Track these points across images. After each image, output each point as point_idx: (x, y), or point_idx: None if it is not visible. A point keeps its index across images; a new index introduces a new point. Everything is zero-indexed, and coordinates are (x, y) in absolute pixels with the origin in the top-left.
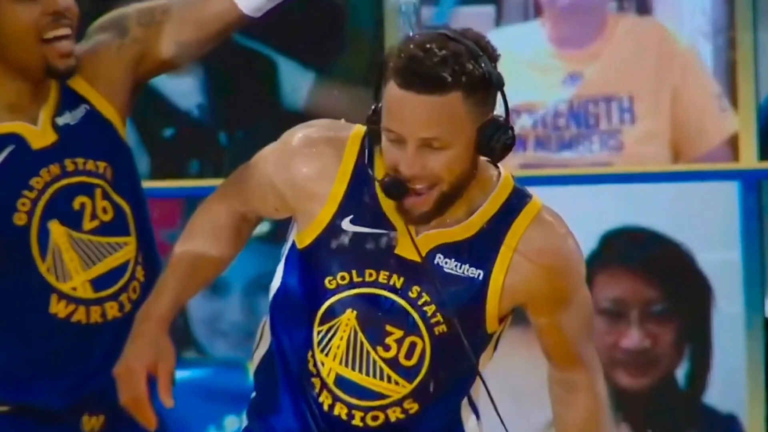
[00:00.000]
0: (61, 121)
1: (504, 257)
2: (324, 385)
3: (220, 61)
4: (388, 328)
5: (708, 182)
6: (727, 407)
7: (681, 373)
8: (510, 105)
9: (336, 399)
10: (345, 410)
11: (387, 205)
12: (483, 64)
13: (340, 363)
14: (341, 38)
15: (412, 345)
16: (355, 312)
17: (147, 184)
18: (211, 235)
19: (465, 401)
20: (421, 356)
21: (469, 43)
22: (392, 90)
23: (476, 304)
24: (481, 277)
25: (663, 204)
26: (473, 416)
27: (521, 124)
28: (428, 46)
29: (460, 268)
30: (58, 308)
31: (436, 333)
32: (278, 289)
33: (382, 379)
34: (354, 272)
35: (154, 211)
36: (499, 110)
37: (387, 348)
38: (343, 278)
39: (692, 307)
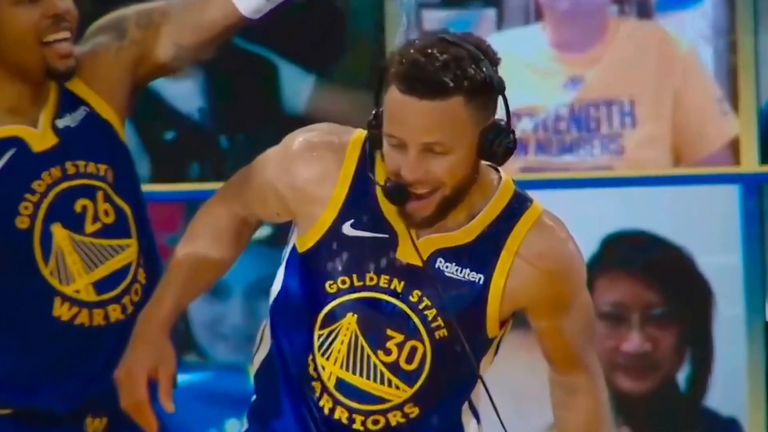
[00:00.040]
0: (61, 123)
1: (505, 261)
2: (324, 388)
3: (221, 64)
4: (389, 332)
5: (709, 186)
6: (728, 411)
7: (682, 376)
8: (511, 109)
9: (336, 403)
10: (345, 414)
11: (388, 209)
12: (484, 69)
13: (341, 367)
14: (342, 42)
15: (413, 349)
16: (355, 316)
17: (148, 187)
18: (212, 237)
19: (466, 405)
20: (422, 360)
21: (470, 47)
22: (394, 95)
23: (477, 309)
24: (481, 282)
25: (664, 208)
26: (474, 420)
27: (522, 127)
28: (429, 51)
29: (461, 272)
30: (62, 311)
31: (437, 337)
32: (279, 293)
33: (382, 383)
34: (355, 276)
35: (154, 214)
36: (500, 114)
37: (388, 352)
38: (343, 282)
39: (693, 311)
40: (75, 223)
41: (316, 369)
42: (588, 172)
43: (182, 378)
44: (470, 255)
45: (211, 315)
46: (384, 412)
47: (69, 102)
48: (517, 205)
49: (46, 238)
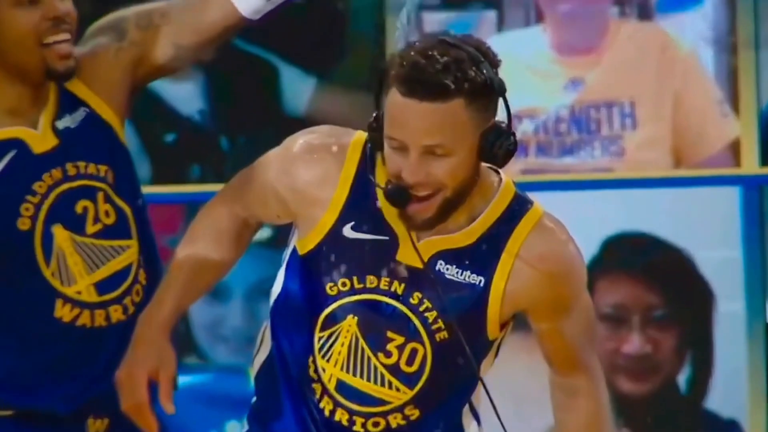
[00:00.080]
0: (60, 124)
1: (505, 264)
2: (325, 390)
3: (222, 66)
4: (389, 334)
5: (709, 188)
6: (729, 413)
7: (682, 378)
8: (511, 110)
9: (337, 405)
10: (346, 416)
11: (388, 211)
12: (485, 71)
13: (341, 369)
14: (342, 43)
15: (413, 351)
16: (356, 318)
17: (148, 189)
18: (212, 239)
19: (466, 408)
20: (422, 362)
21: (470, 49)
22: (394, 98)
23: (477, 311)
24: (482, 284)
25: (664, 209)
26: (474, 422)
27: (523, 129)
28: (430, 53)
29: (462, 274)
30: (63, 312)
31: (437, 339)
32: (279, 295)
33: (383, 385)
34: (355, 278)
35: (154, 216)
36: (500, 116)
37: (388, 354)
38: (344, 284)
39: (693, 313)
40: (76, 224)
41: (316, 371)
42: (588, 173)
43: (182, 380)
44: (471, 257)
45: (211, 317)
46: (384, 414)
47: (69, 103)
48: (518, 207)
49: (47, 239)
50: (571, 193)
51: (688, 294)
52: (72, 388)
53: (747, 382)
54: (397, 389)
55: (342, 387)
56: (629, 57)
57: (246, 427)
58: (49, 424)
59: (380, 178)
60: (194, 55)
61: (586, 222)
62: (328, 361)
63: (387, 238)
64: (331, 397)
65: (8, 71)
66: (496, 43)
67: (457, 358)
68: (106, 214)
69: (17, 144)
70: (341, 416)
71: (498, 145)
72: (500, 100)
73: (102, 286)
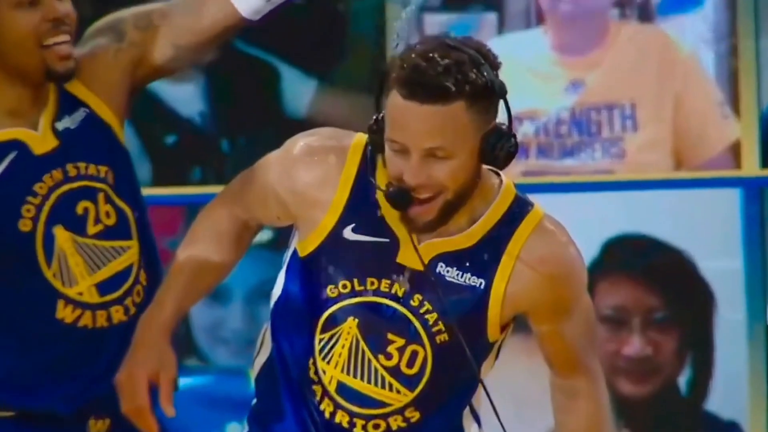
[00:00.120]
0: (60, 125)
1: (506, 266)
2: (325, 392)
3: (222, 68)
4: (390, 336)
5: (710, 190)
6: (729, 414)
7: (683, 380)
8: (512, 112)
9: (337, 407)
10: (346, 418)
11: (389, 213)
12: (485, 73)
13: (342, 371)
14: (343, 45)
15: (414, 353)
16: (356, 320)
17: (149, 191)
18: (213, 240)
19: (467, 410)
20: (423, 365)
21: (470, 51)
22: (395, 100)
23: (478, 313)
24: (482, 286)
25: (665, 211)
26: (475, 424)
27: (523, 131)
28: (431, 55)
29: (462, 276)
30: (65, 313)
31: (438, 341)
32: (279, 297)
33: (383, 387)
34: (356, 281)
35: (155, 218)
36: (501, 118)
37: (388, 356)
38: (344, 286)
39: (694, 315)
40: (77, 225)
41: (317, 373)
42: (589, 175)
43: (183, 382)
44: (471, 259)
45: (211, 319)
46: (385, 417)
47: (68, 104)
48: (518, 210)
49: (49, 240)
50: (571, 195)
51: (688, 296)
52: (73, 388)
53: (747, 384)
54: (398, 391)
55: (342, 389)
56: (630, 59)
57: (246, 428)
58: (51, 424)
59: (381, 180)
60: (194, 56)
61: (586, 224)
62: (328, 363)
63: (387, 240)
64: (331, 398)
65: (8, 73)
66: (497, 44)
67: (457, 361)
68: (107, 214)
69: (18, 145)
70: (341, 418)
71: (499, 147)
72: (501, 102)
73: (103, 287)
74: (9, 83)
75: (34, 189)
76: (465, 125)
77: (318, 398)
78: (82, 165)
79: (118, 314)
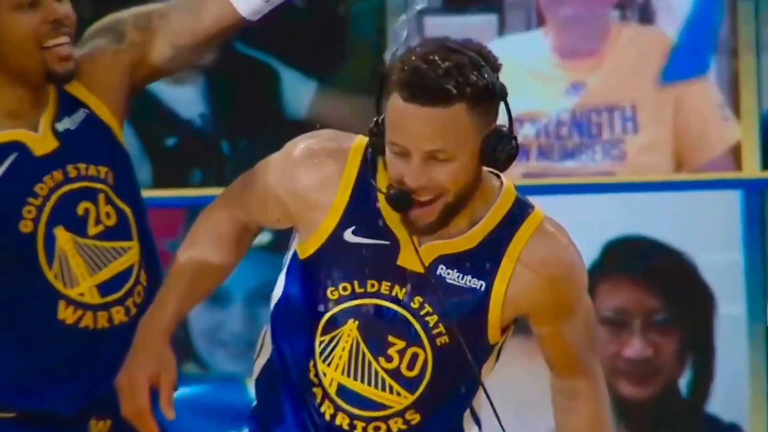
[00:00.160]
0: (60, 126)
1: (506, 268)
2: (326, 394)
3: (223, 70)
4: (390, 338)
5: (710, 191)
6: (730, 416)
7: (684, 382)
8: (513, 114)
9: (338, 409)
10: (347, 420)
11: (389, 215)
12: (486, 75)
13: (342, 373)
14: (343, 47)
15: (414, 356)
16: (356, 322)
17: (149, 193)
18: (213, 242)
19: (467, 412)
20: (423, 367)
21: (471, 53)
22: (396, 103)
23: (478, 315)
24: (483, 288)
25: (665, 213)
26: (475, 427)
27: (524, 133)
28: (431, 57)
29: (462, 278)
30: (66, 314)
31: (438, 344)
32: (279, 299)
33: (384, 389)
34: (356, 283)
35: (156, 220)
36: (501, 120)
37: (389, 359)
38: (345, 289)
39: (695, 317)
40: (77, 226)
41: (317, 375)
42: (590, 177)
43: (181, 391)
44: (472, 262)
45: (211, 322)
46: (385, 419)
47: (68, 105)
48: (519, 212)
49: (50, 241)
50: (572, 196)
51: (689, 298)
52: (74, 389)
53: (748, 386)
54: (398, 394)
55: (343, 391)
56: (630, 61)
57: (246, 431)
58: (52, 425)
59: (381, 182)
60: (193, 56)
61: (587, 226)
62: (329, 365)
63: (388, 242)
64: (331, 401)
65: (8, 74)
66: (498, 47)
67: (458, 363)
68: (107, 215)
69: (18, 147)
70: (342, 420)
71: (499, 150)
72: (501, 104)
73: (104, 288)
74: (9, 85)
75: (34, 190)
76: (466, 127)
77: (318, 400)
78: (82, 166)
79: (119, 315)
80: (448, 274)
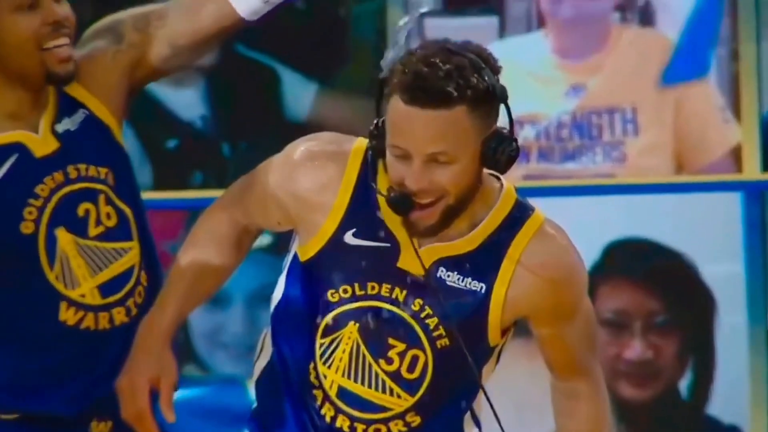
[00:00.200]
0: (60, 127)
1: (506, 270)
2: (326, 397)
3: (223, 72)
4: (391, 341)
5: (711, 193)
6: (730, 418)
7: (684, 384)
8: (513, 116)
9: (338, 411)
10: (347, 422)
11: (389, 218)
12: (486, 77)
13: (343, 375)
14: (344, 50)
15: (415, 358)
16: (357, 325)
17: (150, 195)
18: (213, 244)
19: (467, 414)
20: (424, 369)
21: (471, 56)
22: (397, 106)
23: (478, 317)
24: (483, 291)
25: (666, 215)
26: (476, 429)
27: (524, 135)
28: (432, 60)
29: (463, 281)
30: (68, 315)
31: (439, 346)
32: (280, 301)
33: (384, 391)
34: (356, 285)
35: (156, 222)
36: (502, 121)
37: (389, 361)
38: (345, 291)
39: (695, 319)
40: (78, 227)
41: (317, 377)
42: (590, 179)
43: (181, 393)
44: (472, 264)
45: (211, 324)
46: (386, 421)
47: (68, 105)
48: (519, 214)
49: (51, 242)
50: (572, 198)
51: (689, 300)
52: (76, 390)
53: (748, 388)
54: (399, 396)
55: (343, 393)
56: (631, 63)
57: None
58: (53, 426)
59: (382, 185)
60: (192, 56)
61: (587, 227)
62: (329, 367)
63: (388, 245)
64: (332, 403)
65: (8, 76)
66: (498, 48)
67: (458, 365)
68: (108, 216)
69: (19, 148)
70: (342, 423)
71: (500, 152)
72: (502, 106)
73: (105, 289)
74: (9, 86)
75: (35, 191)
76: (466, 130)
77: (319, 403)
78: (82, 167)
79: (120, 316)
80: (449, 276)
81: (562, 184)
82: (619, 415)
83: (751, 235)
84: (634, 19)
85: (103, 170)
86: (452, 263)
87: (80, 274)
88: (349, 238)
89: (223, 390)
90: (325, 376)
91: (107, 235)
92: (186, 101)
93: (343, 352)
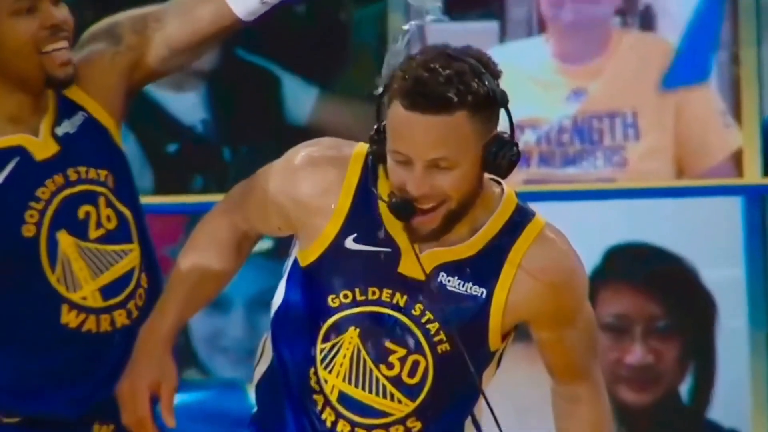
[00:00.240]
0: (60, 130)
1: (507, 275)
2: (327, 402)
3: (224, 76)
4: (391, 346)
5: (711, 198)
6: (731, 423)
7: (685, 389)
8: (514, 121)
9: (339, 416)
10: (348, 427)
11: (390, 223)
12: (487, 82)
13: (344, 380)
14: (345, 54)
15: (415, 363)
16: (357, 330)
17: (150, 199)
18: (213, 248)
19: (468, 419)
20: (424, 374)
21: (471, 61)
22: (398, 111)
23: (479, 322)
24: (484, 295)
25: (667, 220)
26: None
27: (525, 140)
28: (432, 66)
29: (463, 286)
30: (69, 318)
31: (439, 351)
32: (280, 306)
33: (385, 396)
34: (357, 290)
35: (157, 226)
36: (502, 126)
37: (390, 366)
38: (346, 296)
39: (696, 323)
40: (79, 230)
41: (318, 382)
42: (591, 184)
43: (182, 397)
44: (473, 269)
45: (211, 328)
46: (386, 426)
47: (67, 108)
48: (520, 219)
49: (52, 245)
50: (573, 203)
51: (690, 304)
52: (78, 393)
53: (749, 393)
54: (399, 401)
55: (344, 398)
56: (631, 67)
57: None
58: (55, 430)
59: (382, 190)
60: (189, 57)
61: (588, 232)
62: (330, 372)
63: (389, 249)
64: (333, 408)
65: (8, 80)
66: (499, 53)
67: (458, 370)
68: (108, 218)
69: (19, 151)
70: (343, 427)
71: (501, 156)
72: (502, 111)
73: (107, 291)
74: (9, 90)
75: (36, 194)
76: (467, 135)
77: (319, 407)
78: (82, 169)
79: (121, 318)
80: (449, 281)
81: (562, 189)
82: (620, 420)
83: (751, 240)
84: (635, 24)
85: (102, 172)
86: (453, 268)
87: (82, 276)
88: (349, 243)
89: (224, 394)
90: (325, 381)
91: (108, 238)
92: (187, 105)
93: (344, 357)
